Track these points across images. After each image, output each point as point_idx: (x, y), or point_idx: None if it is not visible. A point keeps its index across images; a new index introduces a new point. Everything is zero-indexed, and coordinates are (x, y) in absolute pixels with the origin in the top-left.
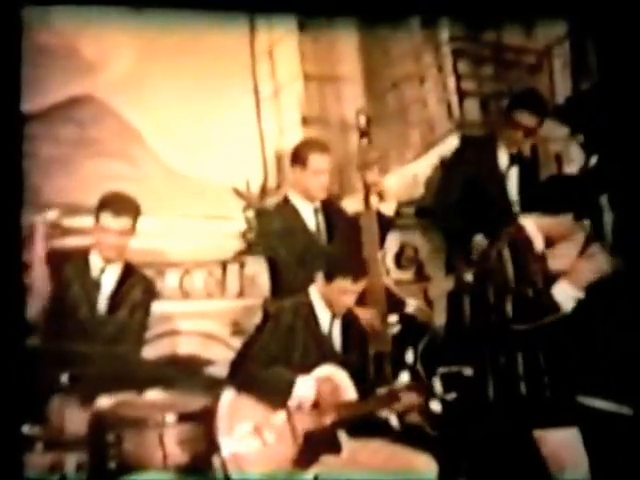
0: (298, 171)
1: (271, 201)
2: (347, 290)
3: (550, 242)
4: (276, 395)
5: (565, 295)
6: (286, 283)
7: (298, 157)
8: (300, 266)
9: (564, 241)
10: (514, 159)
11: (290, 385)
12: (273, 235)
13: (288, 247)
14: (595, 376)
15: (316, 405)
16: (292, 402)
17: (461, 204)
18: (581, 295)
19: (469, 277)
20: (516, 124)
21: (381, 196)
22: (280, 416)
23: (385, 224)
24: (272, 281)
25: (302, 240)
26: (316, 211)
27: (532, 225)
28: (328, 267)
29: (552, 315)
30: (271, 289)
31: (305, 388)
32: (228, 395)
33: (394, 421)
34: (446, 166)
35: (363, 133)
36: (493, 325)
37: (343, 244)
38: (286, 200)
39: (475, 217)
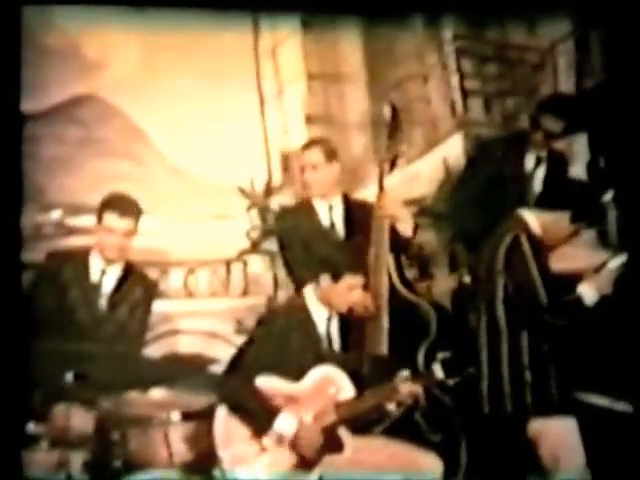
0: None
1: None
2: (355, 285)
3: (546, 240)
4: (257, 424)
5: (590, 296)
6: (295, 281)
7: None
8: (308, 265)
9: (567, 245)
10: (540, 161)
11: (272, 416)
12: (286, 233)
13: (300, 246)
14: (597, 372)
15: (294, 445)
16: (271, 435)
17: (478, 201)
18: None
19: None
20: (541, 127)
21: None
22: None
23: (401, 243)
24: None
25: (313, 238)
26: (330, 208)
27: (533, 218)
28: (336, 267)
29: (582, 314)
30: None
31: (285, 424)
32: (221, 412)
33: (395, 411)
34: (469, 162)
35: (390, 127)
36: (526, 317)
37: (358, 238)
38: (309, 199)
39: (490, 215)
